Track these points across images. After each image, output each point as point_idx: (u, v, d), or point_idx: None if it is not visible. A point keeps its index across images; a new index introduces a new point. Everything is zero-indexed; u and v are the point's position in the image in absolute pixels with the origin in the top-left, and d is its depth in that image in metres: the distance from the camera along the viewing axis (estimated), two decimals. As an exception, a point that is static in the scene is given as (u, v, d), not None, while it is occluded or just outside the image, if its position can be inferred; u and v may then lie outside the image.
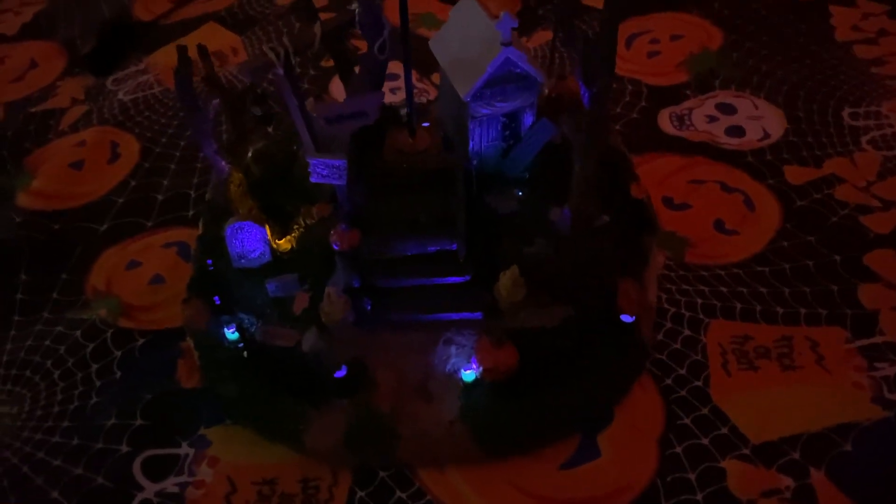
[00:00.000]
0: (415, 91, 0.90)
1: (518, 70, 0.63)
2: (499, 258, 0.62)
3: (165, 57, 1.03)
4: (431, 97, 0.94)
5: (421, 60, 0.85)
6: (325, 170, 0.61)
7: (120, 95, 0.98)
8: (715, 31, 1.01)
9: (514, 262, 0.60)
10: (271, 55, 0.60)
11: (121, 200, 0.84)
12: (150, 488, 0.61)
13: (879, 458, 0.59)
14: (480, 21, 0.65)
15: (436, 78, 0.95)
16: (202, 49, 0.68)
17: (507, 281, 0.60)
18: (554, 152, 0.67)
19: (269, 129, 0.73)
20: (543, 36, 1.01)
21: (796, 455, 0.59)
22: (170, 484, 0.61)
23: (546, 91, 0.71)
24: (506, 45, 0.61)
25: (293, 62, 0.61)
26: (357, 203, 0.63)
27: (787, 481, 0.58)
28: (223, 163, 0.67)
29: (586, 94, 0.60)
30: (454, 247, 0.62)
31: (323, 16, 1.10)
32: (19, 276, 0.77)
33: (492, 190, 0.66)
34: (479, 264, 0.62)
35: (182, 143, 0.90)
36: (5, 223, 0.82)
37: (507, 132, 0.68)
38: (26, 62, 1.05)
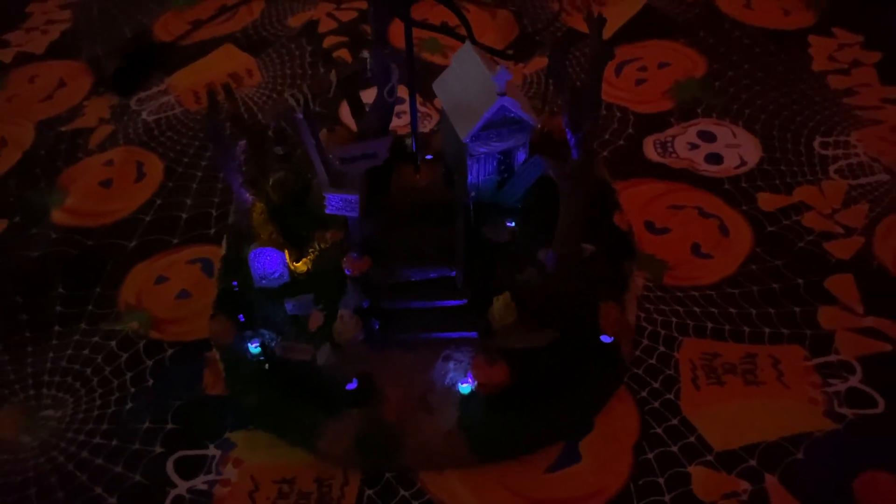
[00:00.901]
0: (418, 114, 0.98)
1: (512, 115, 0.70)
2: (493, 284, 0.69)
3: (185, 79, 1.10)
4: (434, 119, 1.01)
5: (425, 85, 0.93)
6: (339, 203, 0.68)
7: (143, 116, 1.05)
8: (700, 60, 1.07)
9: (507, 289, 0.68)
10: (292, 101, 0.67)
11: (147, 218, 0.91)
12: (182, 485, 0.68)
13: (827, 465, 0.66)
14: (479, 68, 0.72)
15: (438, 103, 1.02)
16: (228, 89, 0.75)
17: (500, 305, 0.68)
18: (545, 184, 0.75)
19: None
20: (540, 62, 1.08)
21: (754, 462, 0.67)
22: (199, 482, 0.68)
23: (539, 125, 0.78)
24: (501, 95, 0.68)
25: (311, 107, 0.68)
26: (367, 233, 0.70)
27: (745, 485, 0.65)
28: (247, 194, 0.74)
29: (572, 140, 0.67)
30: (453, 273, 0.70)
31: (332, 39, 1.17)
32: (57, 289, 0.84)
33: (487, 221, 0.74)
34: (475, 289, 0.69)
35: (203, 164, 0.97)
36: (43, 239, 0.89)
37: (502, 167, 0.75)
38: (55, 81, 1.12)
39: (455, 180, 0.67)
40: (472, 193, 0.75)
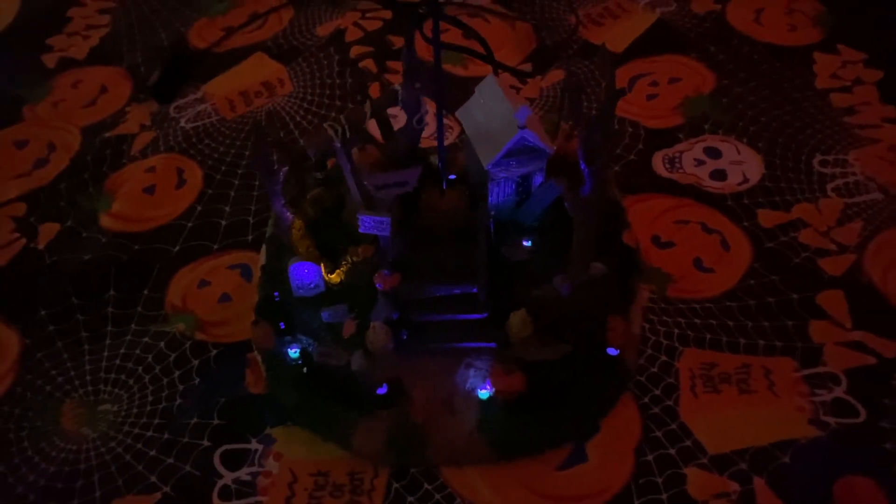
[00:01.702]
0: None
1: (531, 145, 0.76)
2: (511, 300, 0.76)
3: (221, 87, 1.16)
4: (455, 130, 1.07)
5: (450, 97, 0.99)
6: (371, 224, 0.75)
7: (182, 123, 1.11)
8: (709, 75, 1.13)
9: (523, 304, 0.75)
10: (330, 132, 0.74)
11: (189, 224, 0.98)
12: (228, 476, 0.76)
13: (810, 470, 0.73)
14: (500, 100, 0.78)
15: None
16: (270, 116, 0.81)
17: (517, 320, 0.75)
18: (560, 204, 0.81)
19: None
20: (557, 75, 1.14)
21: (744, 465, 0.74)
22: (243, 473, 0.76)
23: (553, 152, 0.84)
24: (521, 127, 0.74)
25: (348, 137, 0.75)
26: (397, 251, 0.77)
27: (735, 486, 0.73)
28: (288, 213, 0.81)
29: (586, 171, 0.74)
30: (475, 290, 0.76)
31: (358, 49, 1.24)
32: (109, 291, 0.92)
33: (506, 241, 0.80)
34: (494, 305, 0.76)
35: (240, 171, 1.04)
36: (94, 243, 0.97)
37: (521, 189, 0.82)
38: (97, 87, 1.18)
39: (478, 206, 0.73)
40: (493, 213, 0.82)
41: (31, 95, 1.17)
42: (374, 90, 1.13)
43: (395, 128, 0.85)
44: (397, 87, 0.78)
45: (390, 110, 0.83)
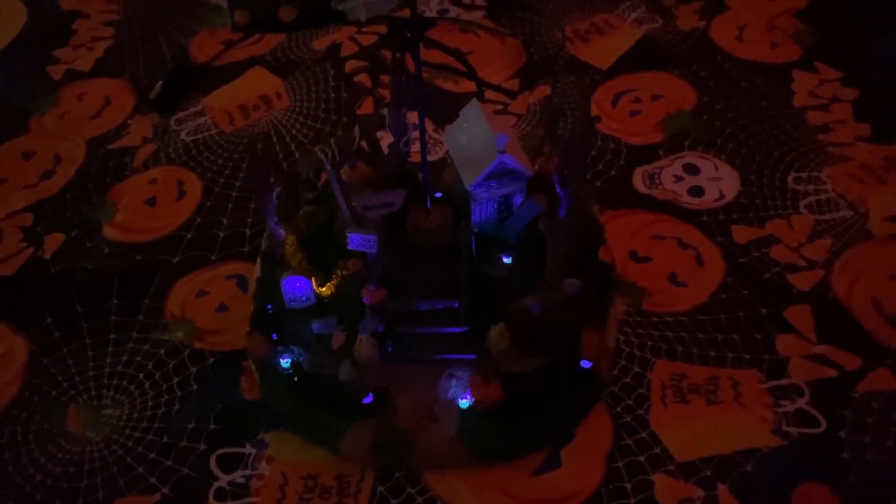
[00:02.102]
0: (430, 141, 1.09)
1: (510, 167, 0.81)
2: (490, 314, 0.81)
3: (220, 100, 1.20)
4: (443, 146, 1.11)
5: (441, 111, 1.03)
6: (360, 241, 0.80)
7: (182, 136, 1.16)
8: (690, 92, 1.17)
9: (502, 319, 0.80)
10: (321, 156, 0.79)
11: (189, 236, 1.03)
12: (223, 478, 0.81)
13: (771, 477, 0.78)
14: (482, 124, 0.82)
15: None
16: (265, 139, 0.85)
17: (496, 334, 0.79)
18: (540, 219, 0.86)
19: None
20: (544, 90, 1.18)
21: (709, 472, 0.78)
22: (238, 475, 0.81)
23: (532, 174, 0.89)
24: (501, 152, 0.79)
25: (338, 160, 0.79)
26: (384, 267, 0.82)
27: (699, 492, 0.77)
28: (281, 230, 0.85)
29: (561, 194, 0.78)
30: (457, 305, 0.81)
31: (354, 63, 1.28)
32: (112, 300, 0.96)
33: (487, 257, 0.85)
34: (475, 319, 0.81)
35: (237, 184, 1.08)
36: (97, 253, 1.01)
37: (502, 207, 0.86)
38: (101, 99, 1.22)
39: (460, 226, 0.78)
40: (476, 230, 0.86)
41: (37, 107, 1.22)
42: (368, 104, 1.18)
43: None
44: (384, 111, 0.83)
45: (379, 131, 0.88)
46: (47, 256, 1.02)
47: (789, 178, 1.04)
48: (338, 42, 1.29)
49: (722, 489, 0.77)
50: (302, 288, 0.85)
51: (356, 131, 0.83)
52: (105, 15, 1.39)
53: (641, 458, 0.80)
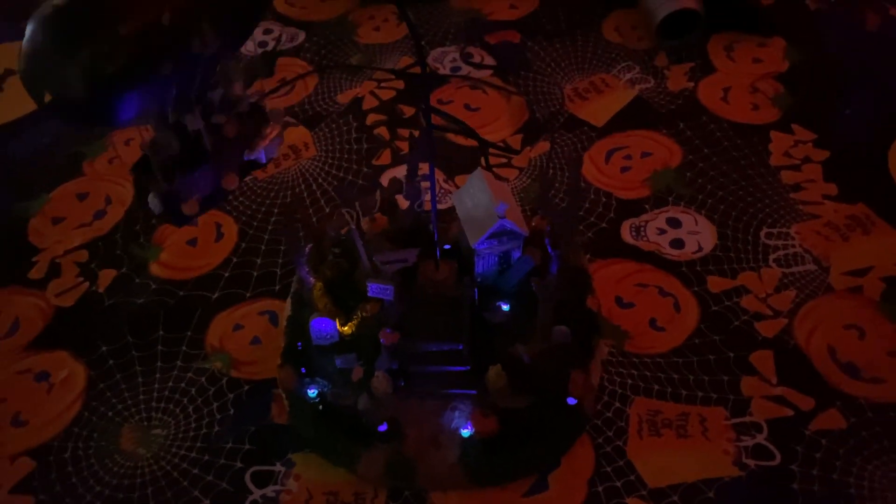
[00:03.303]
0: (441, 191, 1.21)
1: (509, 229, 0.94)
2: (489, 356, 0.93)
3: (253, 149, 1.34)
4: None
5: (448, 162, 1.14)
6: (378, 290, 0.92)
7: (220, 181, 1.29)
8: (677, 150, 1.29)
9: (499, 360, 0.92)
10: (347, 217, 0.92)
11: (226, 274, 1.16)
12: (256, 493, 0.93)
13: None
14: (485, 192, 0.95)
15: (459, 180, 1.25)
16: (301, 200, 0.99)
17: (493, 373, 0.92)
18: (534, 273, 0.98)
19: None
20: (544, 146, 1.31)
21: (676, 498, 0.90)
22: (269, 490, 0.93)
23: (528, 234, 1.01)
24: (501, 217, 0.91)
25: (361, 221, 0.92)
26: (399, 313, 0.95)
27: (667, 515, 0.89)
28: (310, 277, 0.98)
29: (552, 254, 0.91)
30: (461, 347, 0.94)
31: (374, 116, 1.41)
32: (158, 332, 1.09)
33: (487, 305, 0.97)
34: (476, 359, 0.93)
35: (269, 227, 1.21)
36: (145, 289, 1.15)
37: (502, 260, 0.99)
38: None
39: (463, 280, 0.91)
40: (479, 280, 0.99)
41: (90, 151, 1.36)
42: (386, 156, 1.31)
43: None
44: (401, 178, 0.96)
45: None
46: (101, 290, 1.15)
47: (762, 234, 1.16)
48: (360, 96, 1.42)
49: (686, 513, 0.89)
50: (327, 328, 0.97)
51: (378, 195, 0.96)
52: (148, 64, 1.53)
53: (618, 484, 0.92)
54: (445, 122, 1.33)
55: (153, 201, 0.82)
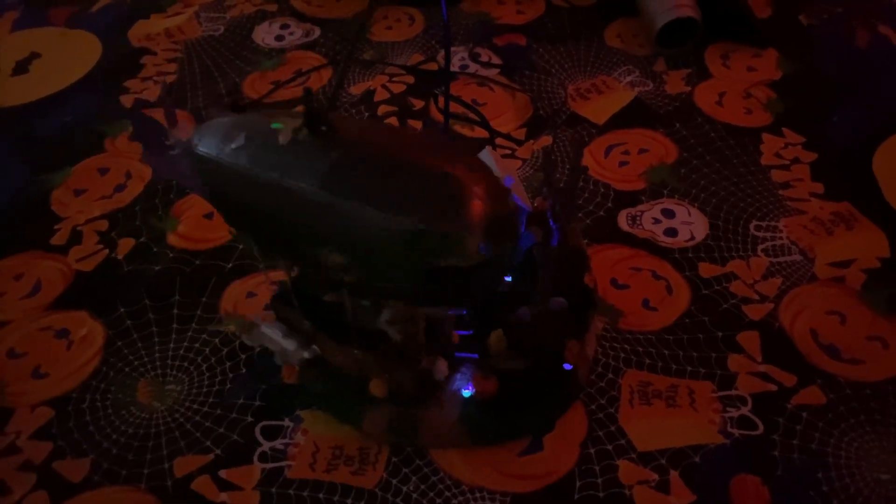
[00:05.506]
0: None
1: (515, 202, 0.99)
2: (491, 321, 0.99)
3: (269, 133, 1.40)
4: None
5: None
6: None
7: (236, 162, 1.34)
8: (672, 148, 1.36)
9: (501, 325, 0.98)
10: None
11: (241, 246, 1.21)
12: (265, 444, 0.98)
13: (714, 468, 0.94)
14: (493, 168, 1.01)
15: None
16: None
17: (495, 337, 0.97)
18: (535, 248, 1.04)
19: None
20: (547, 140, 1.37)
21: (663, 461, 0.95)
22: (278, 443, 0.98)
23: (531, 209, 1.07)
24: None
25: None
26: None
27: (654, 476, 0.94)
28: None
29: (554, 227, 0.96)
30: (465, 312, 0.99)
31: (385, 107, 1.46)
32: (175, 296, 1.14)
33: (492, 276, 1.03)
34: (478, 324, 0.99)
35: (281, 206, 1.27)
36: (163, 257, 1.20)
37: (506, 236, 1.04)
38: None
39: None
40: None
41: (111, 130, 1.41)
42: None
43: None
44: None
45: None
46: (120, 257, 1.20)
47: (751, 226, 1.23)
48: (372, 88, 1.48)
49: (673, 474, 0.94)
50: (338, 293, 1.03)
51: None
52: (169, 53, 1.60)
53: (609, 447, 0.97)
54: (464, 111, 1.39)
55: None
